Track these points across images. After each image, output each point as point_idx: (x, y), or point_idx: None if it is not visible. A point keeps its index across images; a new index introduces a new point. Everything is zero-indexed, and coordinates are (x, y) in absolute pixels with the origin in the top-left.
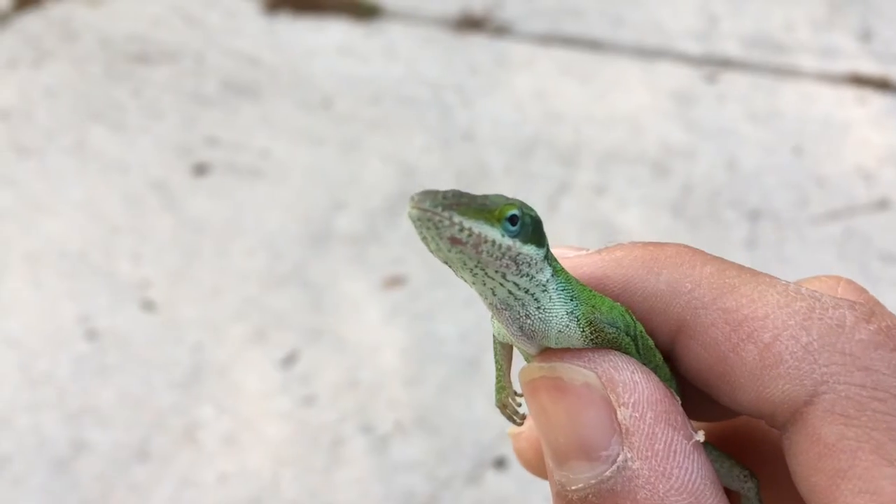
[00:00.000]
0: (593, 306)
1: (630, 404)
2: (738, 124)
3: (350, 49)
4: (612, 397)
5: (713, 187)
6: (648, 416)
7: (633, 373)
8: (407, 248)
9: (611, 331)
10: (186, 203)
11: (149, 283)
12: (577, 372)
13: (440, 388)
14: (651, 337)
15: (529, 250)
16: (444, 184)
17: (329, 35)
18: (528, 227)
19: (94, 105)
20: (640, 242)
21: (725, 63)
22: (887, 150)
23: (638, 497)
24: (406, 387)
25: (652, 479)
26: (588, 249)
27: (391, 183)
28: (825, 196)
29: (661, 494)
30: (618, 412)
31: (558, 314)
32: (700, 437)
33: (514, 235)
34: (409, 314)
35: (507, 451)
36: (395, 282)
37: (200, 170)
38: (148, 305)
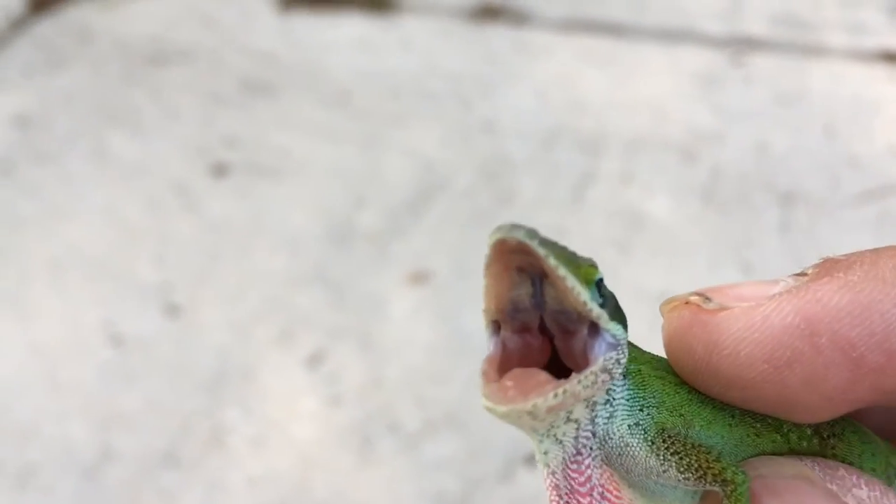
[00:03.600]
0: (680, 414)
1: None
2: (766, 106)
3: (367, 43)
4: None
5: (742, 171)
6: None
7: None
8: (430, 242)
9: (703, 456)
10: (207, 204)
11: (172, 287)
12: None
13: (468, 384)
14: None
15: (616, 330)
16: (466, 178)
17: (345, 30)
18: (611, 300)
19: (112, 109)
20: (855, 260)
21: (751, 43)
22: None
23: None
24: (434, 384)
25: None
26: (784, 281)
27: (412, 177)
28: (858, 177)
29: None
30: None
31: (618, 429)
32: None
33: (601, 306)
34: (434, 310)
35: None
36: (419, 277)
37: (220, 170)
38: (171, 309)
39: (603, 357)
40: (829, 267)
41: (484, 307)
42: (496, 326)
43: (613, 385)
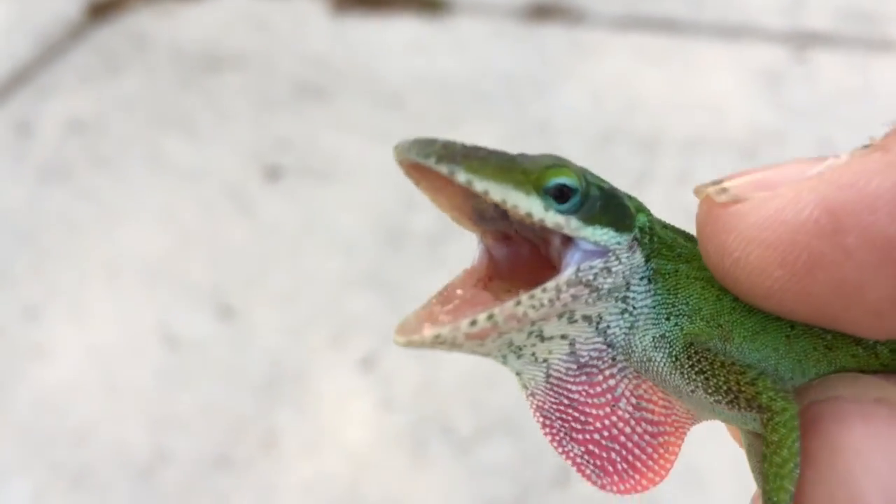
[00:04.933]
0: (718, 325)
1: None
2: (829, 103)
3: (420, 46)
4: None
5: None
6: None
7: None
8: None
9: (739, 371)
10: (260, 208)
11: (225, 290)
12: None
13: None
14: None
15: (598, 235)
16: None
17: (398, 33)
18: (600, 199)
19: (167, 114)
20: None
21: (814, 38)
22: None
23: None
24: (487, 388)
25: None
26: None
27: None
28: None
29: None
30: None
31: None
32: None
33: (566, 212)
34: None
35: None
36: None
37: (274, 174)
38: (225, 312)
39: (576, 268)
40: (891, 140)
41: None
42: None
43: (632, 292)
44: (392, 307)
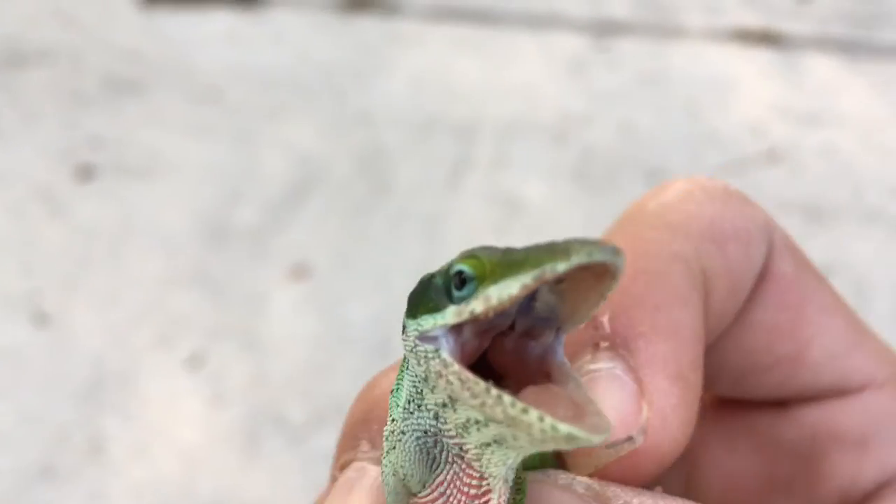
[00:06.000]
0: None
1: None
2: (630, 88)
3: (236, 38)
4: None
5: (611, 152)
6: None
7: None
8: (309, 236)
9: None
10: (74, 209)
11: (40, 295)
12: None
13: (355, 373)
14: None
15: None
16: (343, 170)
17: (212, 24)
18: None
19: None
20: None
21: (614, 26)
22: (773, 103)
23: None
24: (319, 377)
25: None
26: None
27: (288, 172)
28: (718, 151)
29: None
30: None
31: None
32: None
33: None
34: (316, 303)
35: None
36: (300, 271)
37: (87, 173)
38: (41, 318)
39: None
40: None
41: (463, 310)
42: (454, 329)
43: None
44: (217, 304)
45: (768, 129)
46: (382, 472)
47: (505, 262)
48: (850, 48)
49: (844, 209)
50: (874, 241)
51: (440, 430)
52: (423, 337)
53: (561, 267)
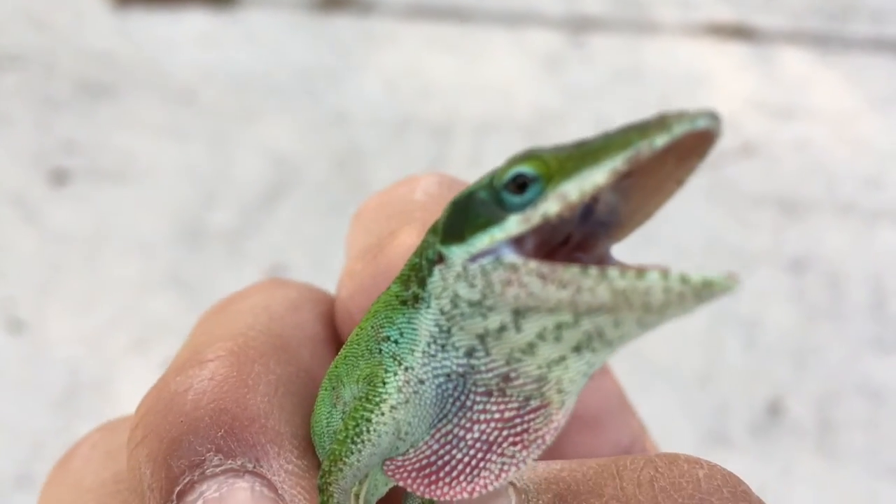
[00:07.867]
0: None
1: None
2: (604, 84)
3: (209, 39)
4: None
5: None
6: None
7: None
8: (286, 237)
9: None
10: (48, 214)
11: (14, 302)
12: None
13: None
14: None
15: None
16: (320, 170)
17: (185, 26)
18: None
19: None
20: None
21: (589, 23)
22: (747, 97)
23: None
24: None
25: None
26: None
27: (264, 173)
28: None
29: None
30: None
31: None
32: None
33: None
34: None
35: None
36: (276, 272)
37: (60, 178)
38: (15, 325)
39: None
40: None
41: (532, 215)
42: (514, 243)
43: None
44: (194, 307)
45: (742, 123)
46: (344, 458)
47: (577, 154)
48: (822, 41)
49: (818, 202)
50: (848, 233)
51: (472, 368)
52: (475, 258)
53: (660, 140)
